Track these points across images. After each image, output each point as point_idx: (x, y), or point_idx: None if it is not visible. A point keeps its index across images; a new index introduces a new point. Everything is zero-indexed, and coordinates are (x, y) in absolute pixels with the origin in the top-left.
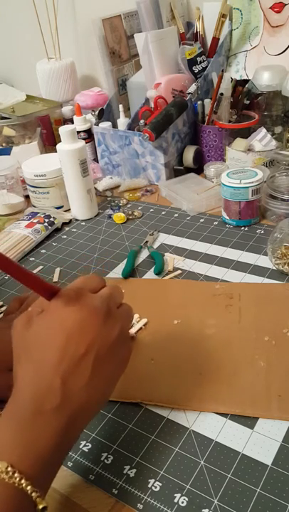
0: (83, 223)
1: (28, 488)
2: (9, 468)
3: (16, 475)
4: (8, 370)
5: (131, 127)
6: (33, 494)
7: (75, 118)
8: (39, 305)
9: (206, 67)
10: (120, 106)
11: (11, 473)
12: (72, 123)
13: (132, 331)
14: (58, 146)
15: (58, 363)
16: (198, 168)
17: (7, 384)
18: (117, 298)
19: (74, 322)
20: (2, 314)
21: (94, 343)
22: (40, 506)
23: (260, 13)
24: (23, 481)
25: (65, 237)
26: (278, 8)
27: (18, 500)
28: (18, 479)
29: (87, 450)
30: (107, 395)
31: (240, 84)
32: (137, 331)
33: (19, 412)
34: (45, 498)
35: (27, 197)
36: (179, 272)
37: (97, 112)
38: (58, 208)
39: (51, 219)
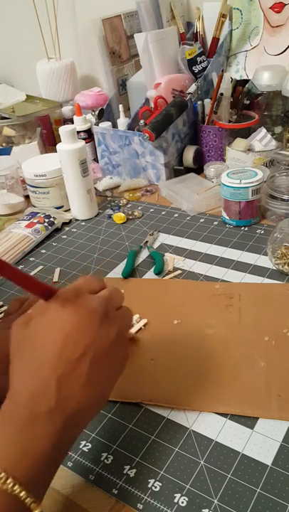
0: (83, 223)
1: (22, 494)
2: (3, 474)
3: (9, 481)
4: (7, 372)
5: (131, 127)
6: (27, 500)
7: (75, 118)
8: (40, 307)
9: (206, 67)
10: (120, 106)
11: (4, 479)
12: (72, 123)
13: (132, 331)
14: (58, 146)
15: (55, 364)
16: (198, 168)
17: (4, 386)
18: (116, 300)
19: (71, 324)
20: (2, 314)
21: (91, 345)
22: None
23: (260, 13)
24: (16, 487)
25: (65, 237)
26: (278, 8)
27: (13, 507)
28: (11, 485)
29: (87, 450)
30: (104, 397)
31: (240, 84)
32: (137, 331)
33: (14, 415)
34: (41, 504)
35: (27, 197)
36: (179, 272)
37: (97, 112)
38: (58, 208)
39: (51, 219)
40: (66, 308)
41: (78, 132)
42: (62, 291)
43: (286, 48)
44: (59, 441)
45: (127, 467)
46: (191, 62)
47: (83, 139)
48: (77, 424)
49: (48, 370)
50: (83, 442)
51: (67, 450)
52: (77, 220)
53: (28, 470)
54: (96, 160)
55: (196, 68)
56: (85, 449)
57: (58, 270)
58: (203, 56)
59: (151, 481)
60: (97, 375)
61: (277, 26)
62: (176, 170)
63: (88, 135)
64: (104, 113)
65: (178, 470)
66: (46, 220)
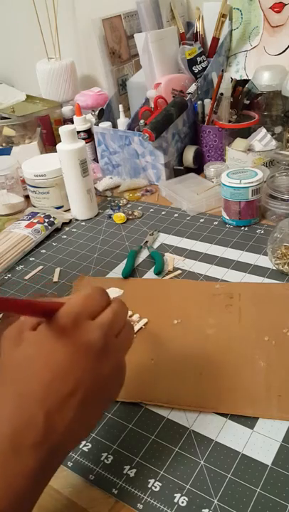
0: (83, 223)
1: None
2: None
3: None
4: None
5: (131, 127)
6: None
7: (75, 118)
8: (34, 326)
9: (206, 67)
10: (120, 106)
11: None
12: (72, 123)
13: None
14: (58, 146)
15: (43, 397)
16: (198, 168)
17: None
18: (118, 323)
19: (64, 357)
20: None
21: (83, 381)
22: None
23: (260, 13)
24: None
25: (65, 237)
26: (278, 8)
27: None
28: None
29: (87, 450)
30: (90, 428)
31: (240, 84)
32: (137, 331)
33: None
34: None
35: (27, 197)
36: (179, 272)
37: (97, 112)
38: (58, 208)
39: (51, 219)
40: (61, 340)
41: (78, 132)
42: (61, 314)
43: (286, 48)
44: (42, 472)
45: (127, 467)
46: (191, 62)
47: (83, 139)
48: (61, 454)
49: (36, 402)
50: (83, 442)
51: (50, 478)
52: (77, 220)
53: (10, 503)
54: (96, 160)
55: (196, 68)
56: (85, 449)
57: (57, 270)
58: (203, 56)
59: (151, 481)
60: (86, 409)
61: (277, 26)
62: (176, 170)
63: (88, 135)
64: (105, 113)
65: (178, 470)
66: (46, 220)
